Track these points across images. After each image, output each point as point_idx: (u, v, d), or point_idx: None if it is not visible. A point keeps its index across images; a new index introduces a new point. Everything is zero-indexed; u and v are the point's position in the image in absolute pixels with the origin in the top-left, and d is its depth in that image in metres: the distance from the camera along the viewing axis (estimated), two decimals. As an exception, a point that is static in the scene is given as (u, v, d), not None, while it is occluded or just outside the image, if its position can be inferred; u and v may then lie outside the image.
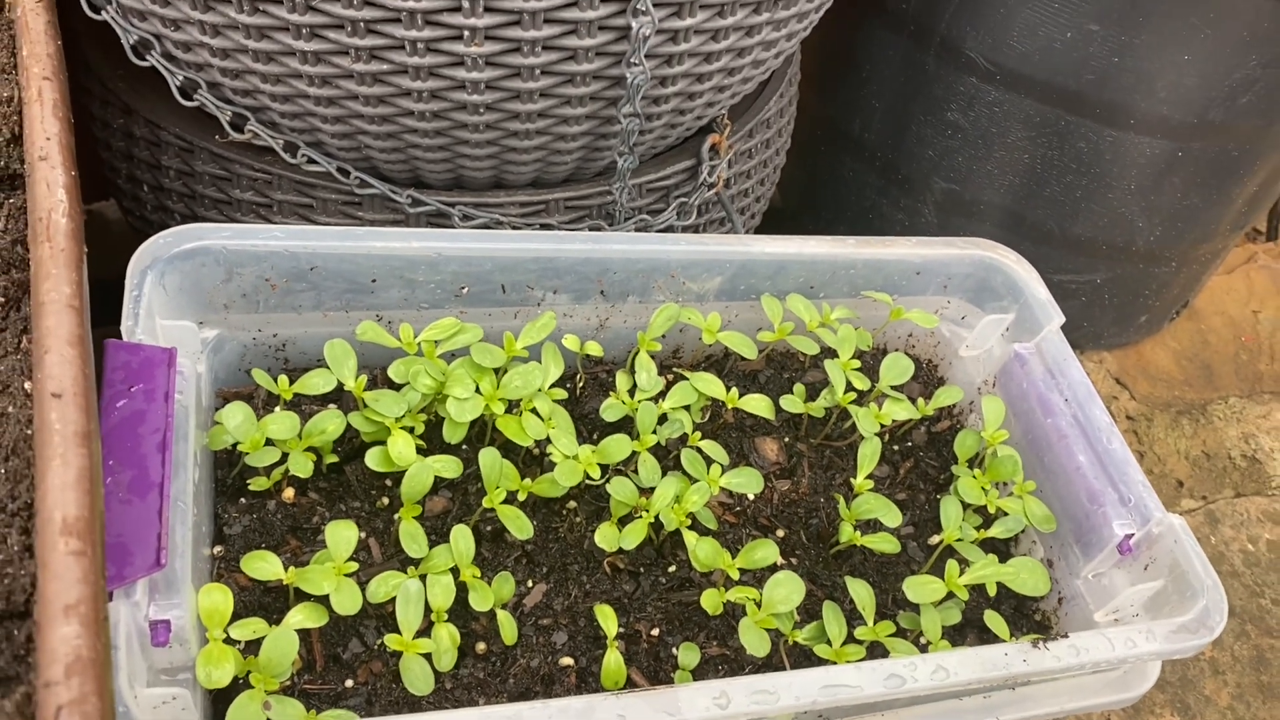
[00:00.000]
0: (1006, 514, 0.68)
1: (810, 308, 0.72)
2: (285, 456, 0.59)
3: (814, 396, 0.73)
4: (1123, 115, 0.87)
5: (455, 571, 0.58)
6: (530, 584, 0.62)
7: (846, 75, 0.98)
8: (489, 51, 0.56)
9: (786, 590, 0.59)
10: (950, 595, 0.63)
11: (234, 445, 0.60)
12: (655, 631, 0.61)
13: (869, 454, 0.68)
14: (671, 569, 0.64)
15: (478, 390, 0.63)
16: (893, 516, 0.65)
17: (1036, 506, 0.68)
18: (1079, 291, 1.01)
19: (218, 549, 0.59)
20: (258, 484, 0.60)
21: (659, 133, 0.68)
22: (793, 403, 0.71)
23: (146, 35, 0.61)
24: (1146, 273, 1.02)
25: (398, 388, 0.63)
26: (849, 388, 0.71)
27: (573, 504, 0.65)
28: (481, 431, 0.66)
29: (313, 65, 0.57)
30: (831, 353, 0.74)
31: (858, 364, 0.72)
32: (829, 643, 0.59)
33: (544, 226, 0.69)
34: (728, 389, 0.69)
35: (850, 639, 0.60)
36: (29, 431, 0.44)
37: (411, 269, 0.65)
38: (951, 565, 0.63)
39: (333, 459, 0.63)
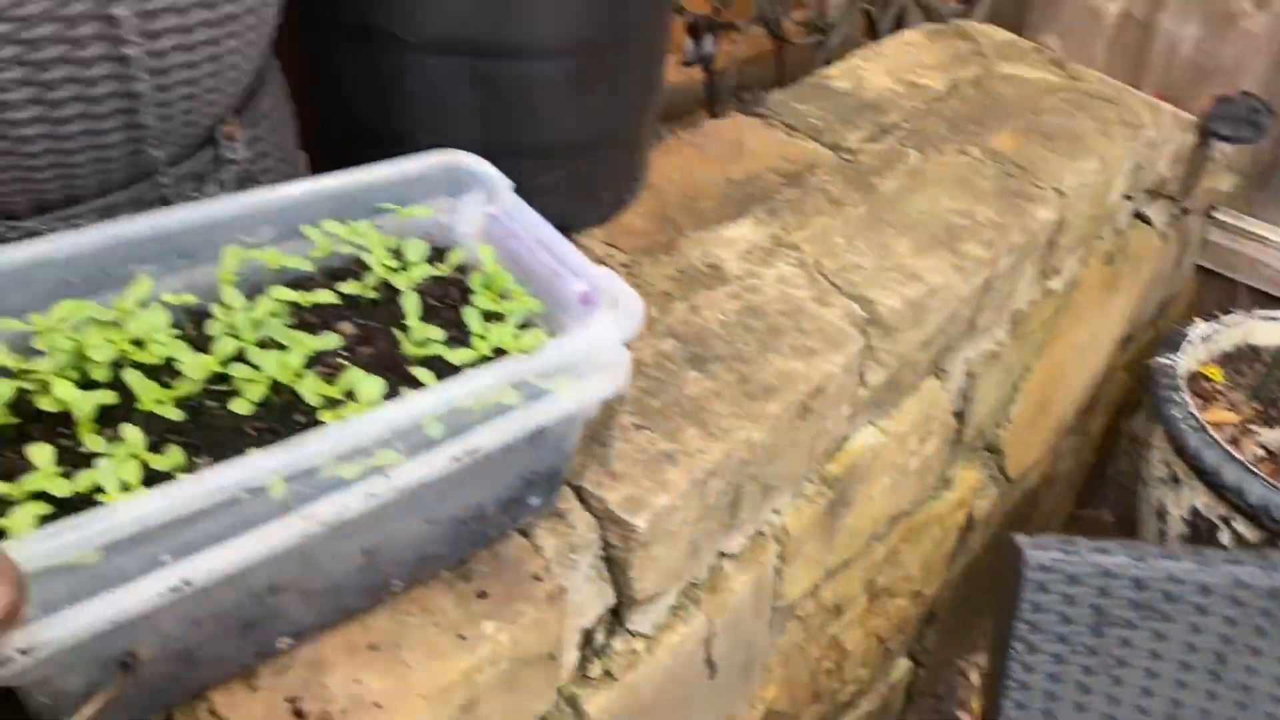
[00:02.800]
0: (512, 312, 1.00)
1: (341, 226, 1.01)
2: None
3: (362, 279, 1.02)
4: (523, 50, 1.23)
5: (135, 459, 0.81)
6: (196, 460, 0.85)
7: (329, 78, 1.29)
8: (23, 92, 0.80)
9: (371, 384, 0.87)
10: (483, 359, 0.94)
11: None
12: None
13: (411, 302, 0.98)
14: (297, 417, 0.89)
15: (109, 341, 0.86)
16: (438, 333, 0.95)
17: (528, 299, 1.01)
18: (552, 188, 1.37)
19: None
20: (-42, 453, 0.79)
21: (179, 131, 0.94)
22: (351, 288, 0.99)
23: None
24: (592, 162, 1.40)
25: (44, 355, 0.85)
26: (385, 267, 1.00)
27: (209, 401, 0.89)
28: (120, 371, 0.89)
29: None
30: (368, 251, 1.03)
31: (389, 255, 1.01)
32: (413, 411, 0.88)
33: (119, 223, 0.93)
34: (298, 293, 0.96)
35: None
36: None
37: (23, 273, 0.86)
38: (478, 340, 0.94)
39: (13, 420, 0.83)
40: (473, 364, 0.93)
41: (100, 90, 0.83)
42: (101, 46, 0.81)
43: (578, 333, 0.91)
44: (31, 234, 0.90)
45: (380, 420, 0.80)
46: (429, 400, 0.81)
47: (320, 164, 1.24)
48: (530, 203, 1.05)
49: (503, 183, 1.07)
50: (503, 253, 1.05)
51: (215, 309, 0.93)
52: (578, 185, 1.40)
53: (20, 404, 0.84)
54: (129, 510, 0.70)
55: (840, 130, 1.79)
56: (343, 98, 1.29)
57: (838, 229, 1.55)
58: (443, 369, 0.94)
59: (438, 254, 1.08)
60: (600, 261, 1.44)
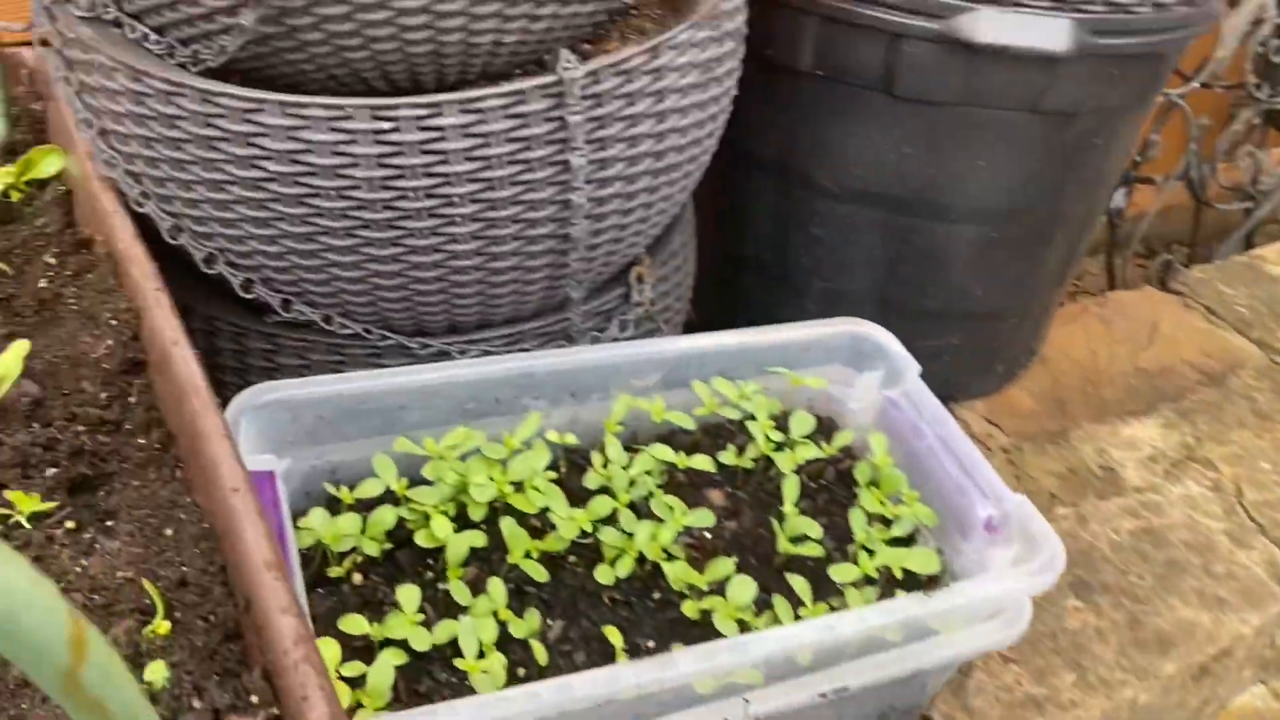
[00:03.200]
0: (901, 517, 0.89)
1: (730, 386, 0.95)
2: (355, 549, 0.79)
3: (743, 453, 0.95)
4: (946, 211, 1.13)
5: (494, 615, 0.77)
6: (550, 622, 0.81)
7: (734, 209, 1.24)
8: (472, 225, 0.79)
9: (742, 588, 0.79)
10: (867, 579, 0.83)
11: (314, 543, 0.79)
12: (651, 644, 0.81)
13: (791, 488, 0.89)
14: (656, 595, 0.83)
15: (491, 478, 0.83)
16: (815, 530, 0.86)
17: (921, 509, 0.89)
18: (942, 352, 1.26)
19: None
20: (334, 571, 0.79)
21: (596, 271, 0.91)
22: (728, 457, 0.92)
23: (213, 251, 0.83)
24: (993, 331, 1.27)
25: (431, 485, 0.83)
26: (768, 440, 0.93)
27: (573, 557, 0.85)
28: (496, 512, 0.86)
29: (346, 256, 0.79)
30: (751, 418, 0.96)
31: (773, 424, 0.94)
32: (780, 623, 0.79)
33: (521, 351, 0.91)
34: (676, 454, 0.90)
35: (797, 619, 0.80)
36: (205, 526, 0.63)
37: (428, 395, 0.86)
38: (863, 555, 0.84)
39: (388, 546, 0.82)
40: (854, 583, 0.83)
41: (538, 231, 0.81)
42: (550, 191, 0.79)
43: (983, 581, 0.78)
44: (440, 354, 0.89)
45: (753, 646, 0.71)
46: (809, 636, 0.72)
47: (703, 289, 1.19)
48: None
49: (909, 365, 0.96)
50: (897, 445, 0.95)
51: (595, 457, 0.89)
52: (970, 353, 1.27)
53: (398, 528, 0.83)
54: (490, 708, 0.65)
55: (1272, 327, 1.54)
56: (742, 229, 1.24)
57: (1264, 451, 1.32)
58: (818, 578, 0.84)
59: (823, 429, 0.99)
60: (978, 440, 1.30)
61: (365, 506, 0.84)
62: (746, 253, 1.26)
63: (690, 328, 1.20)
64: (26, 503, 0.63)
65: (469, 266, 0.81)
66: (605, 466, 0.88)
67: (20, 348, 0.72)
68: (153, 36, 0.77)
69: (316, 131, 0.72)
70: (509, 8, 0.74)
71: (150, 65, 0.74)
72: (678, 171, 0.88)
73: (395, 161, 0.74)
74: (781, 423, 0.97)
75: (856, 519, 0.88)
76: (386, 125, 0.73)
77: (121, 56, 0.75)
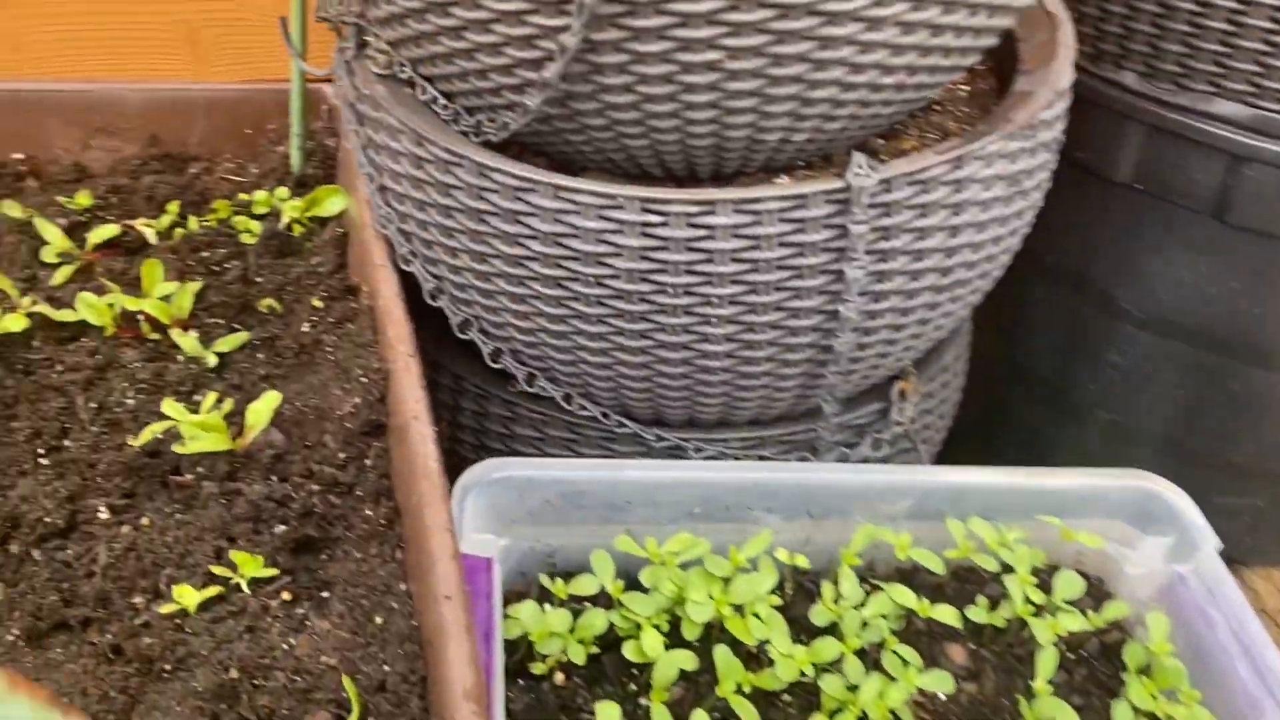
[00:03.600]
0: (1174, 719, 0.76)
1: (989, 529, 0.84)
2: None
3: (995, 608, 0.84)
4: (1269, 357, 0.98)
5: (696, 748, 0.71)
6: (754, 764, 0.74)
7: (1015, 320, 1.13)
8: (728, 328, 0.73)
9: (978, 777, 0.69)
10: (1126, 792, 0.71)
11: (521, 635, 0.75)
12: (862, 812, 0.72)
13: (1047, 662, 0.78)
14: (874, 757, 0.74)
15: (710, 596, 0.77)
16: (1070, 716, 0.75)
17: (1203, 714, 0.76)
18: (1242, 512, 1.09)
19: (510, 721, 0.74)
20: (538, 667, 0.76)
21: (854, 383, 0.83)
22: (977, 613, 0.82)
23: (468, 317, 0.81)
24: (1301, 495, 1.09)
25: (646, 590, 0.78)
26: (1026, 601, 0.82)
27: (787, 697, 0.77)
28: (711, 630, 0.80)
29: (595, 342, 0.76)
30: (1009, 569, 0.85)
31: (1034, 580, 0.83)
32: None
33: (759, 458, 0.85)
34: (918, 600, 0.81)
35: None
36: (414, 624, 0.61)
37: (656, 492, 0.81)
38: (1126, 762, 0.72)
39: (594, 650, 0.78)
40: (1113, 797, 0.71)
41: (798, 340, 0.75)
42: (818, 300, 0.73)
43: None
44: (675, 448, 0.85)
45: None
46: None
47: (965, 396, 1.09)
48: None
49: (1205, 537, 0.83)
50: (1180, 631, 0.81)
51: (826, 588, 0.82)
52: (1268, 516, 1.09)
53: (607, 630, 0.78)
54: None
55: None
56: (1021, 340, 1.13)
57: None
58: (1069, 777, 0.73)
59: (1093, 594, 0.87)
60: (1271, 617, 1.12)
61: (577, 600, 0.80)
62: (1022, 366, 1.14)
63: (946, 440, 1.10)
64: (250, 566, 0.63)
65: (718, 368, 0.76)
66: (837, 601, 0.81)
67: (272, 399, 0.72)
68: (441, 100, 0.77)
69: (584, 218, 0.69)
70: (803, 107, 0.68)
71: (435, 132, 0.74)
72: (964, 288, 0.79)
73: (659, 256, 0.70)
74: (1044, 580, 0.85)
75: (1121, 713, 0.75)
76: (655, 219, 0.68)
77: (409, 120, 0.75)
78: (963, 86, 0.90)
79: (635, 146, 0.71)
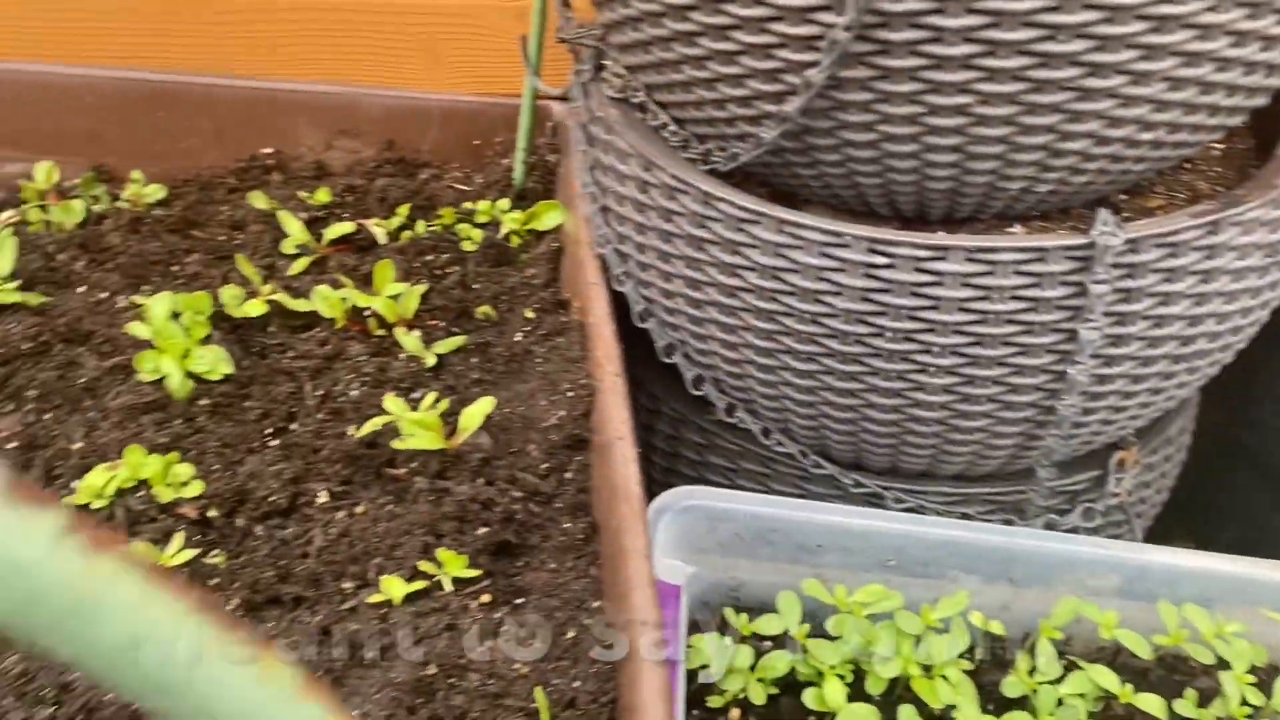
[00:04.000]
0: None
1: (1205, 617, 0.78)
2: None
3: (1205, 703, 0.78)
4: None
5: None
6: (928, 833, 0.71)
7: (1244, 395, 1.05)
8: (946, 378, 0.71)
9: None
10: None
11: (700, 666, 0.75)
12: None
13: (1262, 772, 0.72)
14: (1060, 845, 0.70)
15: (898, 651, 0.75)
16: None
17: None
18: None
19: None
20: (714, 701, 0.75)
21: (1072, 448, 0.79)
22: (1185, 707, 0.76)
23: (674, 341, 0.82)
24: None
25: (831, 637, 0.77)
26: (1243, 702, 0.75)
27: (970, 766, 0.74)
28: (894, 686, 0.77)
29: (803, 379, 0.75)
30: (1225, 664, 0.79)
31: (1252, 679, 0.76)
32: None
33: (962, 515, 0.82)
34: (1121, 684, 0.76)
35: None
36: (608, 646, 0.61)
37: (849, 539, 0.79)
38: None
39: (772, 691, 0.76)
40: None
41: (1018, 399, 0.72)
42: (1045, 359, 0.69)
43: None
44: (873, 495, 0.82)
45: None
46: None
47: (1182, 470, 1.02)
48: None
49: None
50: None
51: (1021, 659, 0.78)
52: None
53: (785, 676, 0.77)
54: None
55: None
56: (1249, 415, 1.05)
57: None
58: None
59: (1319, 704, 0.80)
60: None
61: (758, 637, 0.79)
62: (1247, 445, 1.06)
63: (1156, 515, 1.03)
64: (454, 565, 0.65)
65: (930, 418, 0.74)
66: (1032, 674, 0.76)
67: (487, 404, 0.74)
68: (672, 126, 0.77)
69: (806, 254, 0.68)
70: (1052, 158, 0.65)
71: (663, 158, 0.75)
72: (1203, 359, 0.74)
73: (880, 298, 0.68)
74: (1264, 680, 0.78)
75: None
76: (881, 260, 0.67)
77: (639, 144, 0.76)
78: (1217, 145, 0.85)
79: (867, 184, 0.70)
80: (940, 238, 0.66)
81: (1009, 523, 0.83)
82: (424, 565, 0.65)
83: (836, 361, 0.72)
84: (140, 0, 1.11)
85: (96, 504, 0.69)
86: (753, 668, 0.75)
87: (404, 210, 1.02)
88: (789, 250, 0.69)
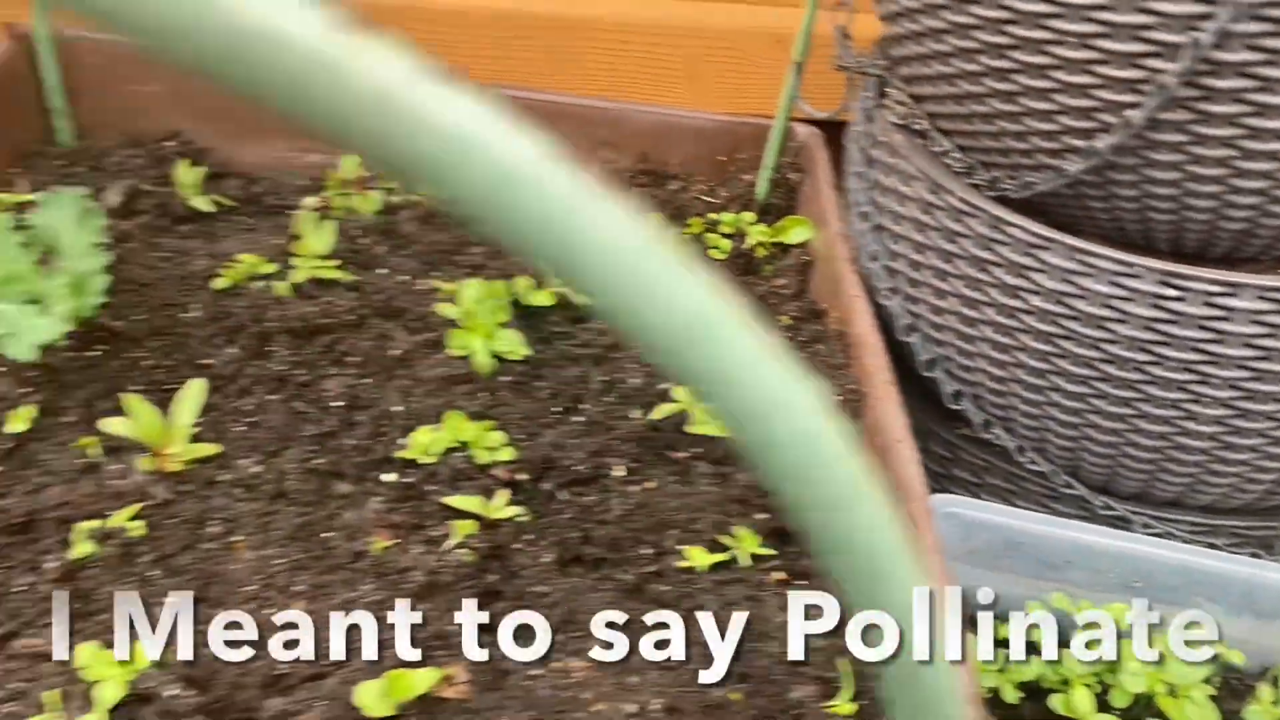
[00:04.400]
0: None
1: None
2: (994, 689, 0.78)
3: None
4: None
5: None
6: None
7: None
8: (1220, 410, 0.74)
9: None
10: None
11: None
12: None
13: None
14: None
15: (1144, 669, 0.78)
16: None
17: None
18: None
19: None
20: (961, 698, 0.79)
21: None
22: None
23: (936, 356, 0.87)
24: None
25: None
26: None
27: (1216, 790, 0.76)
28: (1139, 700, 0.80)
29: (1071, 400, 0.79)
30: None
31: None
32: None
33: (1209, 545, 0.84)
34: (1372, 726, 0.77)
35: None
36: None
37: (1096, 559, 0.82)
38: None
39: (1019, 695, 0.80)
40: None
41: (1291, 436, 0.74)
42: (1325, 400, 0.71)
43: None
44: (1119, 519, 0.85)
45: None
46: None
47: None
48: None
49: None
50: None
51: (1263, 690, 0.80)
52: None
53: (1030, 682, 0.80)
54: None
55: None
56: None
57: None
58: None
59: None
60: None
61: (1003, 644, 0.83)
62: None
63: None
64: (749, 542, 0.71)
65: (1196, 448, 0.77)
66: (1276, 704, 0.78)
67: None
68: (955, 153, 0.82)
69: (1096, 281, 0.72)
70: (1357, 205, 0.68)
71: (950, 182, 0.80)
72: None
73: (1165, 329, 0.72)
74: None
75: None
76: (1171, 292, 0.71)
77: (927, 168, 0.81)
78: None
79: (1159, 220, 0.74)
80: (1233, 275, 0.70)
81: (1255, 556, 0.85)
82: (722, 539, 0.72)
83: (1110, 386, 0.76)
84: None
85: (423, 460, 0.78)
86: (1002, 671, 0.79)
87: (656, 219, 1.09)
88: (1078, 277, 0.73)
